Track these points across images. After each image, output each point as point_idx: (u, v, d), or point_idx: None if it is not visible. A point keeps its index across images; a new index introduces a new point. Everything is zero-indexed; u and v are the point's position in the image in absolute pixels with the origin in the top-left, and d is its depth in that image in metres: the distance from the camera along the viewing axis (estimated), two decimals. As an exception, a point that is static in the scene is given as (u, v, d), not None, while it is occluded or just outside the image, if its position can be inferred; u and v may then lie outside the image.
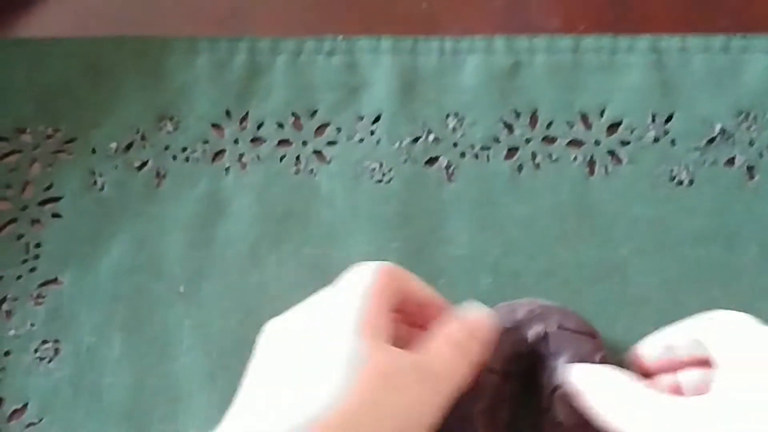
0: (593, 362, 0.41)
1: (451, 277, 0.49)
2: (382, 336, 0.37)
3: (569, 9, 0.56)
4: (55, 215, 0.51)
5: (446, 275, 0.49)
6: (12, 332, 0.48)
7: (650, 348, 0.43)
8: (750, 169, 0.50)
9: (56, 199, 0.52)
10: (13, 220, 0.51)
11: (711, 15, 0.55)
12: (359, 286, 0.38)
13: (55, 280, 0.50)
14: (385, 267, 0.39)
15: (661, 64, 0.53)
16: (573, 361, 0.41)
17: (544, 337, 0.43)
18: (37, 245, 0.50)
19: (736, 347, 0.37)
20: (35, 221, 0.51)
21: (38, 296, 0.49)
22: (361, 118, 0.53)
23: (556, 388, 0.42)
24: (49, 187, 0.52)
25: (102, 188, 0.52)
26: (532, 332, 0.43)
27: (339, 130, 0.53)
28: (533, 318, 0.44)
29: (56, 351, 0.48)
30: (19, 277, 0.50)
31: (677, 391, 0.41)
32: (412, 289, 0.41)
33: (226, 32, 0.56)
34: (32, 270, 0.50)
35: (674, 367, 0.42)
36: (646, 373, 0.43)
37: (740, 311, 0.40)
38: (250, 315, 0.48)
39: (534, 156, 0.52)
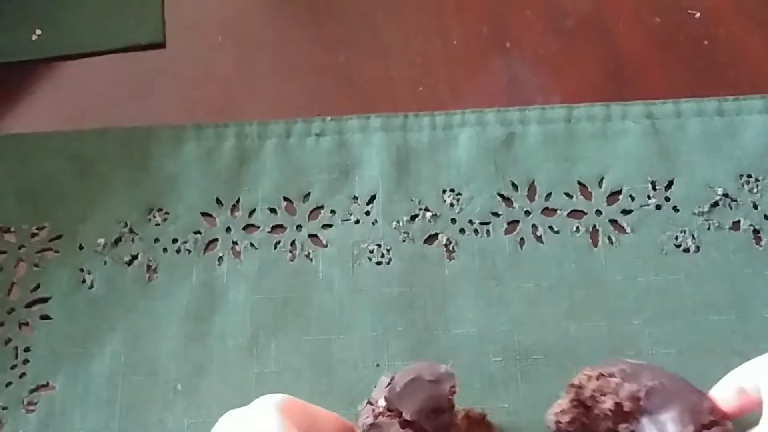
0: (703, 411, 0.39)
1: (460, 357, 0.47)
2: None
3: (569, 86, 0.56)
4: (44, 317, 0.49)
5: (455, 355, 0.47)
6: (3, 444, 0.46)
7: (722, 391, 0.42)
8: (756, 232, 0.50)
9: (44, 300, 0.50)
10: (0, 324, 0.49)
11: (712, 85, 0.55)
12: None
13: (46, 385, 0.47)
14: (288, 400, 0.38)
15: (656, 129, 0.53)
16: (684, 413, 0.40)
17: (645, 394, 0.41)
18: (26, 349, 0.48)
19: None
20: (23, 324, 0.49)
21: (29, 403, 0.47)
22: (356, 199, 0.52)
23: None
24: (36, 288, 0.50)
25: (91, 286, 0.50)
26: (625, 391, 0.41)
27: (333, 212, 0.52)
28: (625, 377, 0.42)
29: (51, 462, 0.46)
30: (8, 384, 0.47)
31: None
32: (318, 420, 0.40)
33: (215, 119, 0.55)
34: (22, 375, 0.48)
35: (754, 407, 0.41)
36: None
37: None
38: (252, 410, 0.46)
39: (535, 228, 0.51)
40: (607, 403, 0.42)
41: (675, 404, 0.40)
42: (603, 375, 0.42)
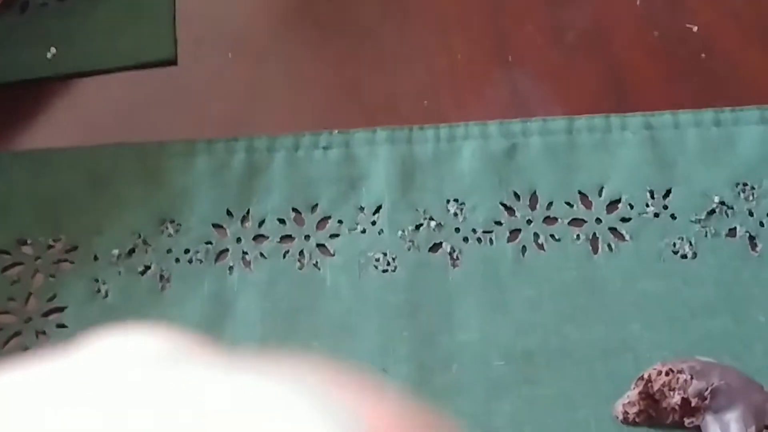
0: (766, 412, 0.41)
1: (463, 362, 0.48)
2: None
3: (570, 98, 0.57)
4: (60, 326, 0.51)
5: (458, 360, 0.48)
6: (21, 448, 0.47)
7: None
8: (752, 238, 0.51)
9: (60, 309, 0.51)
10: (18, 333, 0.50)
11: (710, 97, 0.56)
12: None
13: (62, 392, 0.49)
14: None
15: (655, 140, 0.54)
16: (747, 413, 0.42)
17: (710, 393, 0.43)
18: (43, 357, 0.50)
19: None
20: (40, 333, 0.50)
21: (46, 409, 0.48)
22: (362, 209, 0.54)
23: None
24: (52, 298, 0.51)
25: (106, 295, 0.51)
26: (692, 388, 0.43)
27: (341, 222, 0.53)
28: (695, 374, 0.44)
29: (68, 465, 0.47)
30: (26, 391, 0.49)
31: None
32: None
33: (226, 134, 0.57)
34: (39, 383, 0.49)
35: None
36: None
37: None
38: (262, 415, 0.48)
39: (536, 237, 0.52)
40: (675, 398, 0.44)
41: (739, 404, 0.42)
42: (672, 371, 0.44)
